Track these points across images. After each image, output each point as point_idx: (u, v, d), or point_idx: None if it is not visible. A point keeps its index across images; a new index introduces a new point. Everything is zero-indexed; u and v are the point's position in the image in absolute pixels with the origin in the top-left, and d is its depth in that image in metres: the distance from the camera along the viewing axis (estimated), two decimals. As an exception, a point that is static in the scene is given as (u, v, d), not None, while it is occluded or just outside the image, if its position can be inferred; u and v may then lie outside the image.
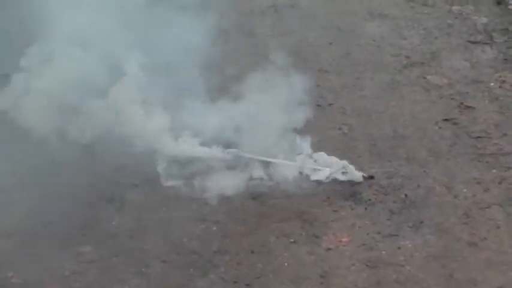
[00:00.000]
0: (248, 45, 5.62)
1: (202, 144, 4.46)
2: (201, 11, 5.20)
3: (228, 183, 4.25)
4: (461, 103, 4.88)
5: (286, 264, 3.76)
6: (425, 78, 5.09)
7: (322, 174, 4.27)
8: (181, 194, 4.22)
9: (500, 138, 4.54)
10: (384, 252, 3.80)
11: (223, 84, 5.02)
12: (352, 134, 4.57)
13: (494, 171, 4.30)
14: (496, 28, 5.52)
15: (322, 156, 4.33)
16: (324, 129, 4.61)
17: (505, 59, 5.19)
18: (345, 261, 3.76)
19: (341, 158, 4.35)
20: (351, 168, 4.28)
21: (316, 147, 4.42)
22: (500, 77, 5.02)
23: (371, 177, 4.26)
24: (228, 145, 4.41)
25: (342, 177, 4.26)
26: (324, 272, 3.70)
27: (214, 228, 3.99)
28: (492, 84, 5.01)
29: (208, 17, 5.19)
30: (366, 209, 4.09)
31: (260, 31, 5.81)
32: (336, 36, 5.70)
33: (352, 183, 4.25)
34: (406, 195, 4.16)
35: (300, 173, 4.31)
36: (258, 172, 4.33)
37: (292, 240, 3.90)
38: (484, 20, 5.71)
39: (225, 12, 5.81)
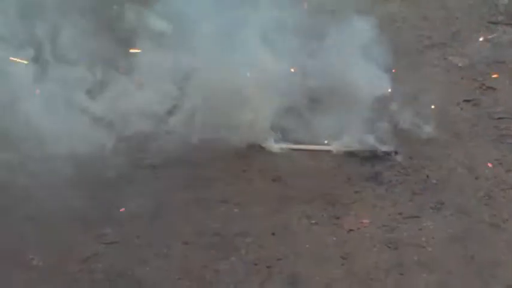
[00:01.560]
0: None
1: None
2: None
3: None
4: (483, 84, 4.86)
5: (307, 246, 3.76)
6: (446, 59, 5.07)
7: None
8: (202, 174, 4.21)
9: None
10: (405, 233, 3.80)
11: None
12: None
13: None
14: None
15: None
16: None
17: None
18: (366, 243, 3.77)
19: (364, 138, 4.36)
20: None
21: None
22: None
23: (396, 152, 4.27)
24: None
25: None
26: (345, 253, 3.70)
27: (236, 210, 3.99)
28: None
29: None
30: (387, 190, 4.08)
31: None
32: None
33: (373, 164, 4.24)
34: (427, 176, 4.15)
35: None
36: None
37: (313, 221, 3.90)
38: (506, 0, 5.65)
39: None
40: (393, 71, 4.75)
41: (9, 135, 4.37)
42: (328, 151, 4.34)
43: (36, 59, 4.71)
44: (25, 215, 3.96)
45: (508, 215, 3.87)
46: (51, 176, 4.16)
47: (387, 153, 4.28)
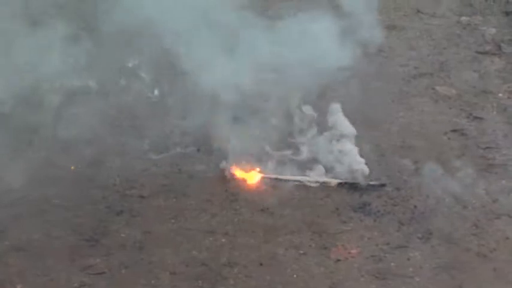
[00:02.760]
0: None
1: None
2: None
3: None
4: (470, 114, 4.88)
5: (295, 276, 3.74)
6: (434, 88, 5.10)
7: None
8: (189, 205, 4.20)
9: (508, 148, 4.55)
10: (392, 263, 3.79)
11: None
12: (361, 144, 4.54)
13: (503, 181, 4.30)
14: (504, 38, 5.53)
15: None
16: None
17: None
18: (354, 273, 3.75)
19: (349, 169, 4.35)
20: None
21: None
22: (508, 87, 5.04)
23: (383, 185, 4.26)
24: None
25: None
26: (333, 283, 3.69)
27: (223, 240, 3.97)
28: (501, 95, 5.02)
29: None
30: (374, 220, 4.07)
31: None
32: (342, 45, 5.69)
33: (361, 194, 4.23)
34: (415, 206, 4.16)
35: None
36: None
37: (301, 252, 3.89)
38: (493, 30, 5.72)
39: None
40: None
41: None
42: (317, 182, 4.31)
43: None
44: (11, 246, 3.93)
45: (496, 245, 3.87)
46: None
47: (376, 186, 4.27)
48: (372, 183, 4.29)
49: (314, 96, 4.86)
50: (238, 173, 4.32)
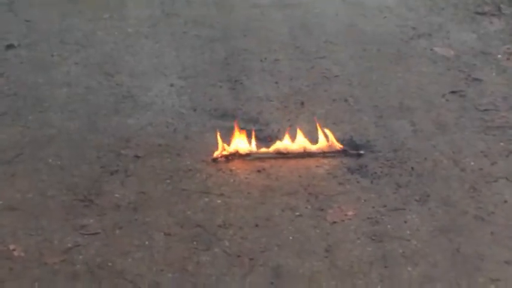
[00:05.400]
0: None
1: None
2: None
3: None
4: (469, 75, 4.87)
5: (291, 238, 3.74)
6: (432, 49, 5.09)
7: None
8: (184, 166, 4.19)
9: (507, 111, 4.55)
10: (389, 226, 3.80)
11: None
12: (358, 105, 4.57)
13: (501, 144, 4.29)
14: None
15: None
16: (329, 101, 4.58)
17: None
18: (350, 235, 3.75)
19: (346, 130, 4.36)
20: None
21: (322, 119, 4.39)
22: (508, 49, 5.04)
23: (359, 154, 4.26)
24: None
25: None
26: (328, 245, 3.68)
27: (219, 201, 3.96)
28: (500, 56, 5.02)
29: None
30: (371, 182, 4.07)
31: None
32: (341, 7, 5.67)
33: (358, 155, 4.23)
34: (412, 168, 4.15)
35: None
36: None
37: (297, 213, 3.88)
38: None
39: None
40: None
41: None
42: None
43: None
44: (5, 205, 3.92)
45: (493, 208, 3.87)
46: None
47: (354, 154, 4.26)
48: (350, 151, 4.28)
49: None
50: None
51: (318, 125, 4.29)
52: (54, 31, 5.15)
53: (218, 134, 4.25)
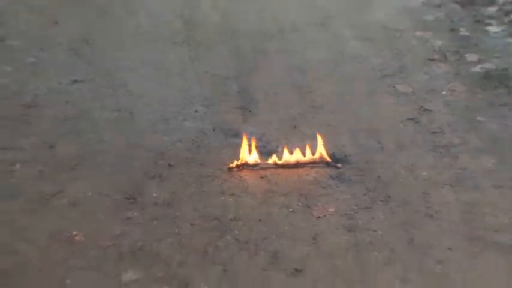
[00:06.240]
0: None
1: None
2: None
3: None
4: (422, 106, 4.88)
5: (286, 228, 3.75)
6: (394, 87, 5.09)
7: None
8: (206, 173, 4.20)
9: (451, 133, 4.53)
10: (360, 220, 3.80)
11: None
12: (339, 129, 4.58)
13: (446, 159, 4.30)
14: (449, 49, 5.51)
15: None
16: (316, 125, 4.59)
17: (456, 73, 5.18)
18: (330, 227, 3.76)
19: (329, 147, 4.34)
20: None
21: (311, 139, 4.38)
22: (451, 87, 5.04)
23: (337, 166, 4.25)
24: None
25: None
26: (315, 234, 3.70)
27: (231, 200, 3.98)
28: (445, 92, 5.01)
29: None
30: (347, 186, 4.07)
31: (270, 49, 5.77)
32: (326, 54, 5.69)
33: (337, 167, 4.23)
34: (378, 176, 4.16)
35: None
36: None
37: (290, 210, 3.89)
38: (440, 42, 5.68)
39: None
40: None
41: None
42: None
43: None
44: (69, 202, 3.95)
45: (440, 207, 3.88)
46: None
47: (333, 165, 4.25)
48: (331, 164, 4.27)
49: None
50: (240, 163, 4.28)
51: (320, 141, 4.28)
52: (107, 70, 5.18)
53: (242, 149, 4.24)
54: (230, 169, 4.20)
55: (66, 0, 6.05)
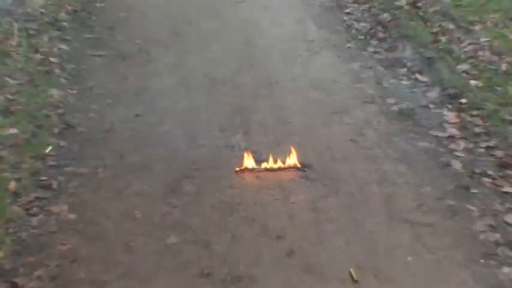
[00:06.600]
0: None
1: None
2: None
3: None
4: (359, 132, 4.71)
5: (272, 210, 3.80)
6: (342, 119, 4.97)
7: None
8: (221, 175, 4.19)
9: (377, 149, 4.49)
10: (319, 205, 3.85)
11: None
12: (306, 146, 4.53)
13: (374, 165, 4.30)
14: (376, 95, 5.31)
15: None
16: (291, 144, 4.43)
17: (381, 111, 5.07)
18: (301, 210, 3.80)
19: (300, 158, 4.30)
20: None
21: (287, 152, 4.33)
22: (378, 119, 4.94)
23: (304, 170, 4.19)
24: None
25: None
26: (290, 215, 3.74)
27: (237, 191, 4.00)
28: (374, 123, 4.87)
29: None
30: (311, 183, 4.09)
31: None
32: (298, 98, 5.47)
33: (304, 171, 4.21)
34: (331, 177, 4.16)
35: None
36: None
37: (275, 198, 3.92)
38: (371, 91, 5.46)
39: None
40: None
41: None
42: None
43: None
44: (136, 192, 3.97)
45: (370, 197, 3.90)
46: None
47: (302, 170, 4.22)
48: (300, 167, 4.23)
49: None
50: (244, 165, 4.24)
51: (294, 153, 4.25)
52: (159, 106, 5.13)
53: (243, 158, 4.21)
54: (236, 172, 4.19)
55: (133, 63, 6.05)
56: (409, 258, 3.31)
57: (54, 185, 3.96)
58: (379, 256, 3.32)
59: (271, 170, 4.22)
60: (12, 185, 3.78)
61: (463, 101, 4.96)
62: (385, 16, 6.79)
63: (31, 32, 5.91)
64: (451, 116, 4.83)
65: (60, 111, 4.83)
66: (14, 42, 5.50)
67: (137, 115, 4.94)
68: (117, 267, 3.25)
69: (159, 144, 4.54)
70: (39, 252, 3.33)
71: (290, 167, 4.24)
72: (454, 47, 5.86)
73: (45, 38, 5.96)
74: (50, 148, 4.31)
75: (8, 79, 4.97)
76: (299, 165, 4.25)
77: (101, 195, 3.91)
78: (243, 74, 5.74)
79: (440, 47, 5.91)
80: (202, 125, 4.82)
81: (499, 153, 4.29)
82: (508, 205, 3.75)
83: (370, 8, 7.09)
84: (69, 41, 6.25)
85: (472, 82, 5.19)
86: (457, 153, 4.37)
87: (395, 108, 5.08)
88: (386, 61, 5.96)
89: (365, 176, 4.15)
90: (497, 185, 3.95)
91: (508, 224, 3.58)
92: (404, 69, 5.77)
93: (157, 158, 4.37)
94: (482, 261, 3.29)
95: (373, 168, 4.24)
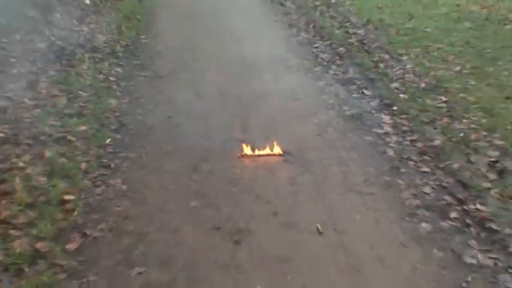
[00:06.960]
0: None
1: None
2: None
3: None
4: (324, 129, 4.56)
5: (263, 183, 3.71)
6: (311, 121, 4.69)
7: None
8: (231, 165, 4.05)
9: (336, 142, 4.33)
10: (297, 179, 3.74)
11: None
12: (286, 140, 4.34)
13: (333, 152, 4.16)
14: (335, 104, 5.16)
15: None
16: (276, 138, 4.28)
17: (339, 115, 4.87)
18: (283, 183, 3.72)
19: (282, 147, 4.18)
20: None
21: (274, 143, 4.19)
22: (337, 121, 4.75)
23: (285, 156, 4.08)
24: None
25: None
26: (276, 185, 3.68)
27: (239, 171, 3.88)
28: (334, 123, 4.67)
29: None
30: (291, 165, 3.99)
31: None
32: (281, 109, 5.32)
33: (285, 156, 4.10)
34: (305, 160, 4.03)
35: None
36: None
37: (266, 175, 3.84)
38: (331, 101, 5.22)
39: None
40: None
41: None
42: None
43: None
44: (168, 170, 3.85)
45: (333, 175, 3.82)
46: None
47: (283, 155, 4.10)
48: (282, 154, 4.12)
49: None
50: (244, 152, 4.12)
51: (276, 145, 4.16)
52: (184, 111, 4.99)
53: (243, 148, 4.12)
54: (238, 157, 4.09)
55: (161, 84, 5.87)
56: (358, 217, 3.27)
57: (112, 165, 3.90)
58: (337, 215, 3.30)
59: (263, 155, 4.14)
60: (83, 165, 3.79)
61: (395, 108, 4.97)
62: (342, 49, 6.80)
63: (96, 59, 5.94)
64: (386, 118, 4.81)
65: (116, 114, 4.77)
66: (85, 67, 5.60)
67: (169, 117, 4.80)
68: (155, 223, 3.24)
69: (184, 137, 4.43)
70: (101, 212, 3.32)
71: (276, 154, 4.16)
72: (388, 71, 5.91)
73: (106, 64, 5.95)
74: (109, 140, 4.27)
75: (80, 92, 5.00)
76: (282, 153, 4.17)
77: (144, 173, 3.85)
78: (242, 88, 5.61)
79: (379, 71, 5.96)
80: (213, 124, 4.69)
81: (419, 144, 4.30)
82: (425, 180, 3.76)
83: (331, 43, 7.11)
84: (122, 66, 6.14)
85: (401, 95, 5.25)
86: (391, 144, 4.33)
87: (348, 113, 4.97)
88: (342, 80, 5.87)
89: (328, 161, 4.08)
90: (418, 167, 3.96)
91: (425, 193, 3.60)
92: (355, 86, 5.70)
93: (182, 146, 4.27)
94: (407, 219, 3.32)
95: (333, 155, 4.16)
